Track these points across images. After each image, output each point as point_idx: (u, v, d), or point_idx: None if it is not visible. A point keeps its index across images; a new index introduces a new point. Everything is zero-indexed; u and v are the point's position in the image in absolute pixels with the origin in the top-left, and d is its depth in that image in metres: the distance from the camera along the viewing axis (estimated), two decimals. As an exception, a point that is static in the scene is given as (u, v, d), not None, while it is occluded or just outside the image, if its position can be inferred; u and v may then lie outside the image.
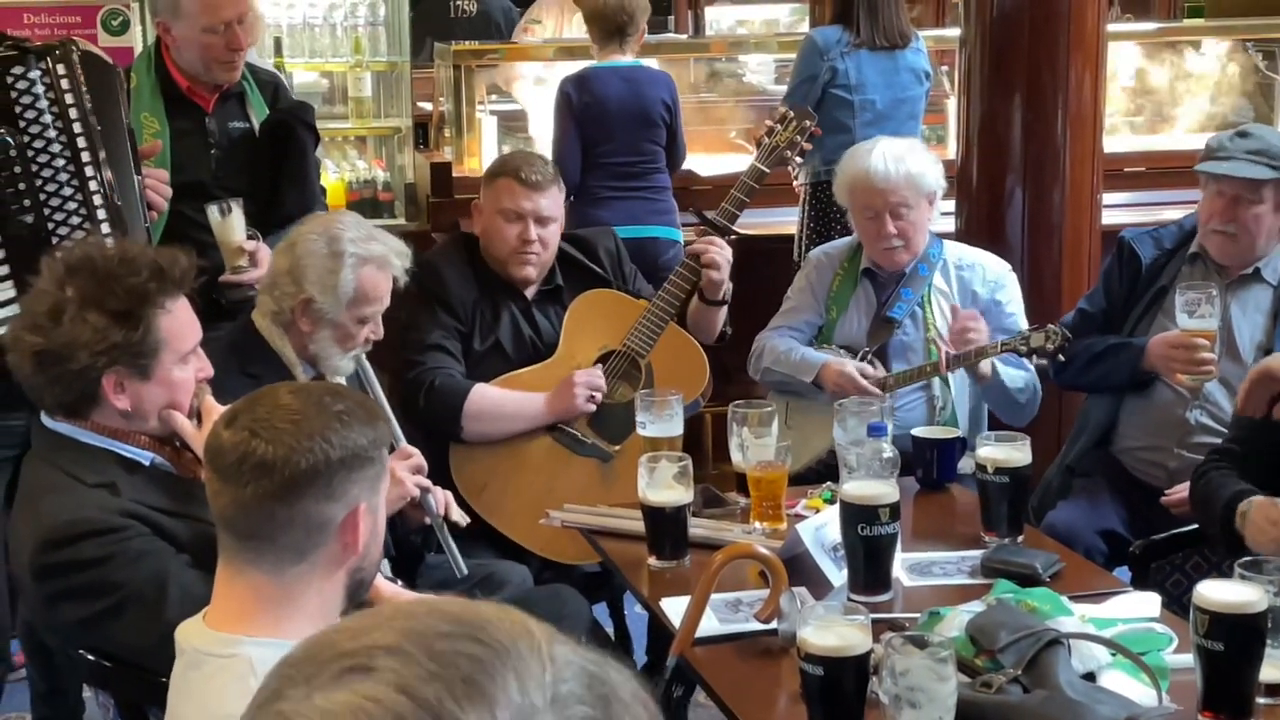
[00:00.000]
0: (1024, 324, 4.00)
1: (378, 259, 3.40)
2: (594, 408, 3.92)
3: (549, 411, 3.92)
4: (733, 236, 4.13)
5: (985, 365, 3.83)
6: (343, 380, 3.48)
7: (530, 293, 4.05)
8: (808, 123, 4.13)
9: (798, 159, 4.33)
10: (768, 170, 4.12)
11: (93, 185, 3.31)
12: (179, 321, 2.62)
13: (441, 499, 3.42)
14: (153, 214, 3.59)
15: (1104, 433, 3.91)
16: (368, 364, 3.53)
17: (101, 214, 3.32)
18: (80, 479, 2.55)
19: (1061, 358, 3.75)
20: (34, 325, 2.54)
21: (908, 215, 4.01)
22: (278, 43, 6.40)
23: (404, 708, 0.89)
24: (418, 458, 3.40)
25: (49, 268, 2.59)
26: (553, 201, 4.00)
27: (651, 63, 5.95)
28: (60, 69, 3.29)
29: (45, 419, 2.64)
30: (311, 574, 2.05)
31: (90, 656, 2.52)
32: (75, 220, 3.29)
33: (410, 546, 3.56)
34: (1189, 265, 3.84)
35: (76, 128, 3.31)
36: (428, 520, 3.38)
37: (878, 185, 4.00)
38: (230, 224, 3.92)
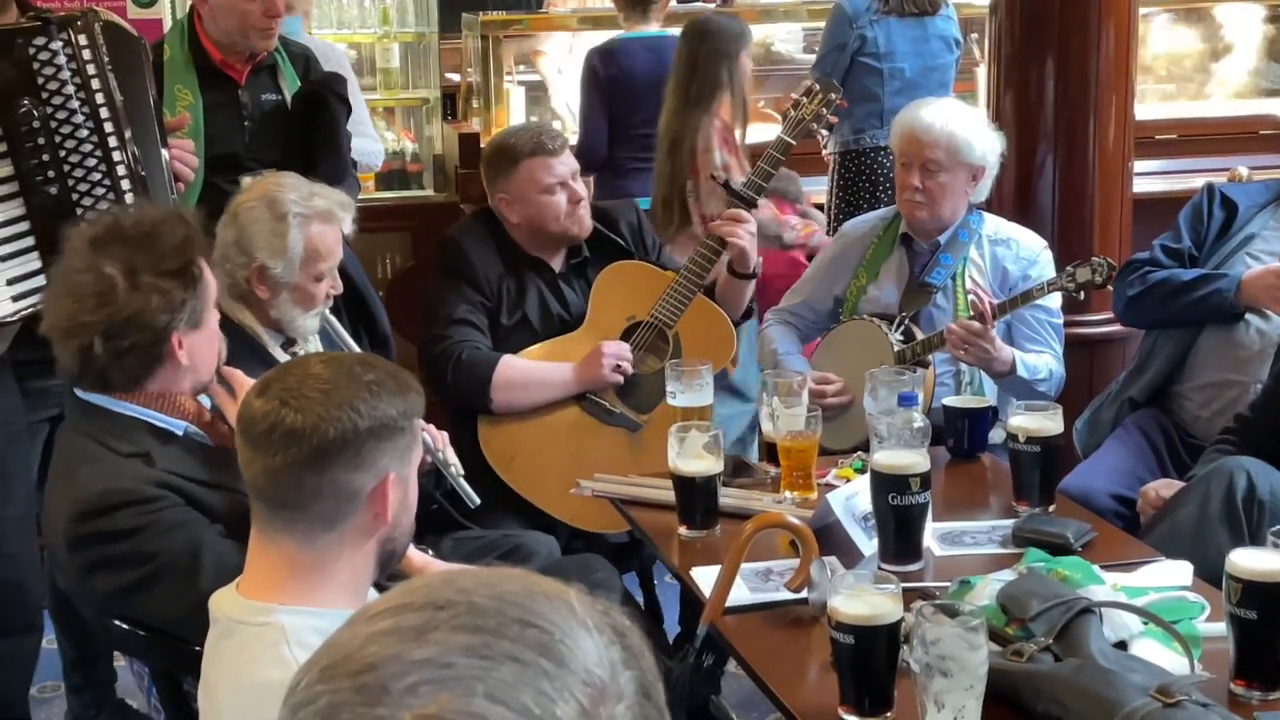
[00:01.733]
0: (1055, 304, 3.98)
1: (322, 214, 3.38)
2: (621, 380, 3.92)
3: (576, 381, 3.92)
4: (758, 208, 4.11)
5: (1004, 358, 3.80)
6: (315, 340, 3.49)
7: (557, 266, 4.04)
8: (833, 95, 4.10)
9: (824, 131, 4.32)
10: (793, 142, 4.10)
11: (116, 155, 3.31)
12: (211, 271, 2.67)
13: (437, 436, 3.43)
14: (180, 185, 3.60)
15: (1176, 365, 3.91)
16: (334, 319, 3.54)
17: (125, 184, 3.32)
18: (115, 449, 2.57)
19: (1110, 288, 3.73)
20: (86, 309, 2.52)
21: (937, 175, 3.98)
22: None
23: (506, 717, 0.89)
24: None
25: (73, 249, 2.58)
26: (571, 155, 4.05)
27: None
28: (82, 39, 3.30)
29: (79, 391, 2.65)
30: (342, 543, 2.06)
31: (124, 626, 2.54)
32: (100, 191, 3.29)
33: (423, 496, 3.56)
34: None
35: (99, 98, 3.31)
36: (428, 458, 3.38)
37: (918, 135, 3.99)
38: None
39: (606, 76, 5.56)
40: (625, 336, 3.99)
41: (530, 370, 3.91)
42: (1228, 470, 3.14)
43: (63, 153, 3.27)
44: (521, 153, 3.97)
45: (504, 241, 4.01)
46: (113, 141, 3.32)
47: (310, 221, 3.35)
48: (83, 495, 2.52)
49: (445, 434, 3.48)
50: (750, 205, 4.05)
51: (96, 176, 3.30)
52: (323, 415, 2.02)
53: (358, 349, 3.57)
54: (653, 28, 5.66)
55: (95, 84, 3.31)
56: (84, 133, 3.29)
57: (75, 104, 3.28)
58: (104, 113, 3.31)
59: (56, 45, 3.26)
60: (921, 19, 5.58)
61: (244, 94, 4.24)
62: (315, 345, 3.50)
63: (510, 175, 3.97)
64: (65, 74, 3.27)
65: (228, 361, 2.80)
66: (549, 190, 3.94)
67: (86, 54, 3.30)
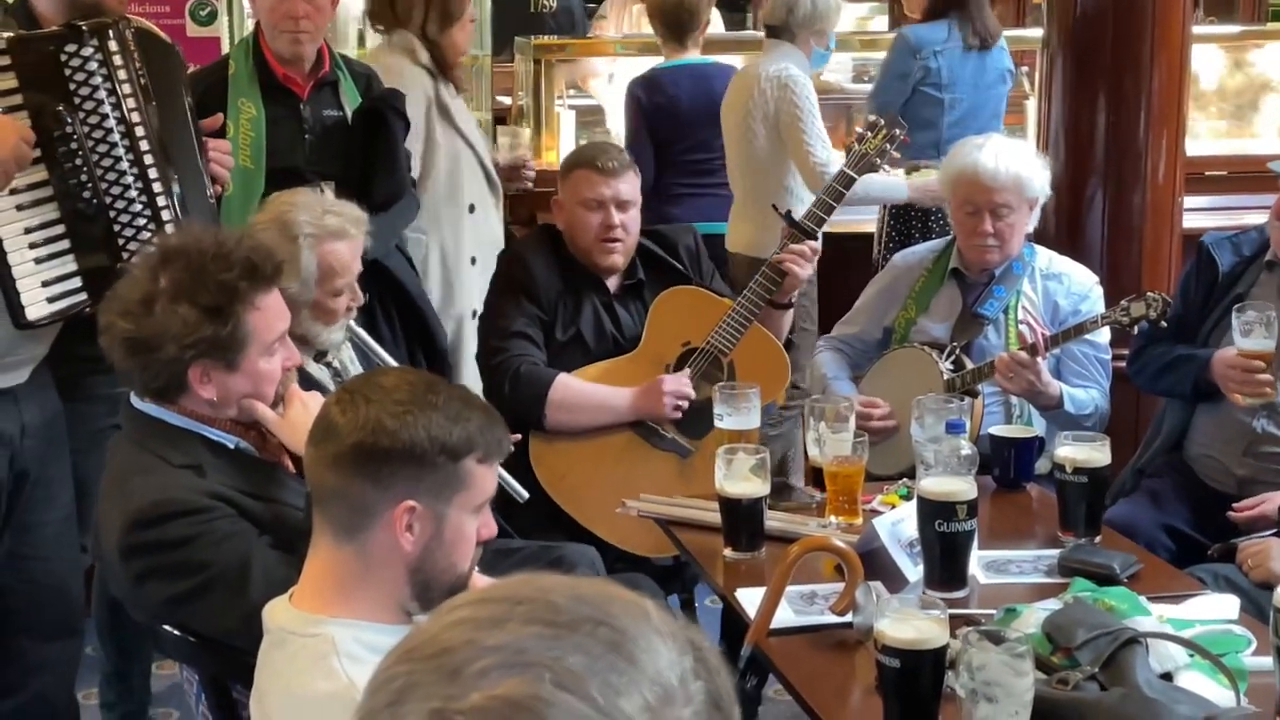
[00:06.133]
0: (1103, 340, 3.97)
1: (334, 231, 3.40)
2: (680, 415, 3.93)
3: (633, 410, 3.92)
4: (816, 242, 4.08)
5: (1051, 392, 3.78)
6: (343, 353, 3.53)
7: (613, 286, 4.06)
8: (897, 131, 4.09)
9: (886, 167, 4.31)
10: (856, 176, 4.08)
11: (148, 159, 3.33)
12: (268, 315, 2.64)
13: None
14: (217, 187, 3.63)
15: (1177, 438, 3.88)
16: (359, 330, 3.58)
17: (158, 186, 3.34)
18: (167, 460, 2.59)
19: (1164, 324, 3.67)
20: (125, 312, 2.57)
21: (1008, 217, 3.96)
22: (360, 36, 6.45)
23: (572, 704, 0.92)
24: None
25: (145, 254, 2.63)
26: (630, 186, 4.02)
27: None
28: (113, 45, 3.32)
29: (134, 400, 2.68)
30: (365, 560, 2.07)
31: (176, 633, 2.56)
32: (133, 194, 3.31)
33: None
34: (1267, 272, 3.78)
35: (130, 103, 3.33)
36: None
37: (984, 182, 3.97)
38: None
39: (650, 104, 5.64)
40: (680, 362, 4.00)
41: (587, 393, 3.92)
42: None
43: (96, 157, 3.29)
44: (577, 161, 4.09)
45: (564, 258, 4.05)
46: (144, 145, 3.34)
47: (322, 240, 3.38)
48: (135, 505, 2.54)
49: None
50: (810, 237, 4.02)
51: (129, 180, 3.31)
52: (355, 421, 2.05)
53: (389, 357, 3.61)
54: (692, 55, 5.72)
55: (126, 89, 3.33)
56: (116, 137, 3.30)
57: (107, 109, 3.30)
58: (136, 117, 3.33)
59: (88, 51, 3.28)
60: (982, 51, 5.60)
61: (306, 108, 4.30)
62: (348, 354, 3.55)
63: (564, 179, 4.07)
64: (97, 79, 3.29)
65: None
66: (586, 205, 3.98)
67: (118, 59, 3.32)
